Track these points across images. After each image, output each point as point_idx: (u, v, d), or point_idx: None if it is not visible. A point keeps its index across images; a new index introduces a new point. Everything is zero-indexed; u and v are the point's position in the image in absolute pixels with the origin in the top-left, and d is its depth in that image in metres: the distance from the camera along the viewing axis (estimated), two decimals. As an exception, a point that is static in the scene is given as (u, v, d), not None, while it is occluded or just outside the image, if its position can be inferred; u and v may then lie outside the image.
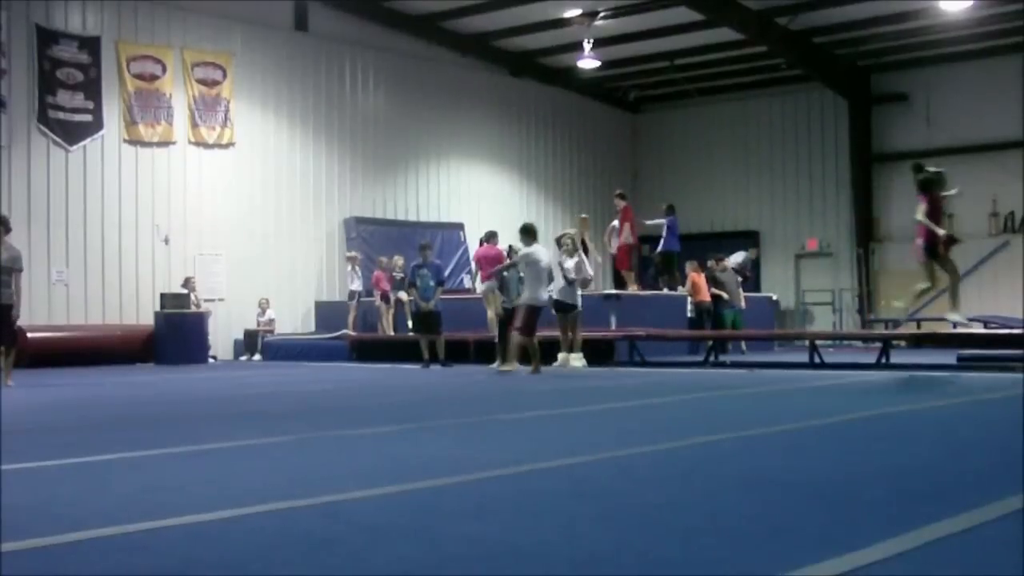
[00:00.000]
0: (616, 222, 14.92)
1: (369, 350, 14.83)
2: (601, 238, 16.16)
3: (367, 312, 15.79)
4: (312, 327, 17.20)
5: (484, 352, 12.85)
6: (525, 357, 10.94)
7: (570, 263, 12.12)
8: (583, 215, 15.86)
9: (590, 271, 12.20)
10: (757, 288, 20.66)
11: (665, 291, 15.31)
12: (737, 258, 16.51)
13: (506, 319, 11.91)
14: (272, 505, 3.02)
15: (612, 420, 5.83)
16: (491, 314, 12.83)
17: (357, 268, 15.61)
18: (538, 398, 7.61)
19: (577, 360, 11.93)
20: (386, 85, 18.82)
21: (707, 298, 14.49)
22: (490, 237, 13.68)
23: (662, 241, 15.61)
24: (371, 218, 18.26)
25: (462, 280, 18.43)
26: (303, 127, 17.69)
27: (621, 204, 14.83)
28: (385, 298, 15.30)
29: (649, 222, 16.14)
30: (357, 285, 15.52)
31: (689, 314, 14.66)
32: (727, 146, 22.63)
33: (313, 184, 17.75)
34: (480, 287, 14.13)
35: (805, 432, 5.21)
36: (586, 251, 14.11)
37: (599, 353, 12.57)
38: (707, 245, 18.89)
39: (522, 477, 3.57)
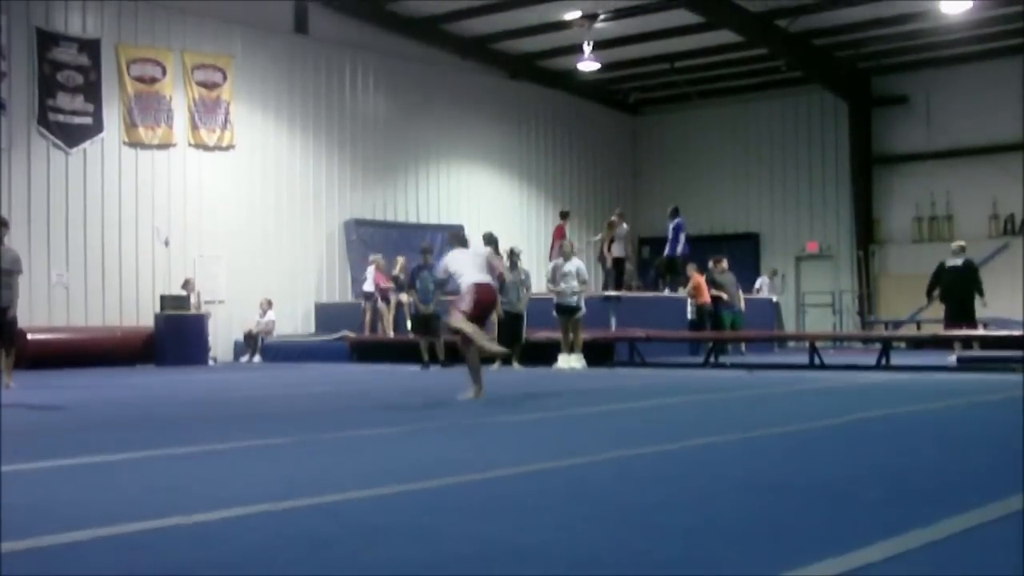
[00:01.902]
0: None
1: (369, 352, 14.82)
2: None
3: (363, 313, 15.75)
4: (312, 328, 17.18)
5: (484, 354, 12.84)
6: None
7: (570, 266, 12.17)
8: (612, 218, 15.88)
9: (584, 276, 12.31)
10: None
11: (667, 292, 15.34)
12: (761, 287, 17.09)
13: (507, 322, 11.92)
14: (273, 505, 3.02)
15: (612, 421, 5.83)
16: (492, 317, 12.80)
17: (369, 270, 15.57)
18: (538, 400, 7.61)
19: (577, 361, 11.97)
20: (386, 88, 18.84)
21: (708, 300, 14.46)
22: (490, 240, 13.67)
23: (668, 245, 15.61)
24: (371, 220, 18.25)
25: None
26: (303, 129, 17.69)
27: (559, 222, 15.69)
28: (385, 298, 15.29)
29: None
30: (371, 287, 15.47)
31: (690, 316, 14.66)
32: (727, 148, 22.63)
33: (313, 186, 17.76)
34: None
35: (805, 433, 5.20)
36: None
37: (599, 354, 12.59)
38: (707, 247, 18.90)
39: (522, 478, 3.57)
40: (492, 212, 19.68)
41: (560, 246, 14.39)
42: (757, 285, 17.97)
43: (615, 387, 8.89)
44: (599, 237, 15.60)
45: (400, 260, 14.96)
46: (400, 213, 18.99)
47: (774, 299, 18.69)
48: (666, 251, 15.83)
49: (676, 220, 15.41)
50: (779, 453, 4.41)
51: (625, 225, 15.91)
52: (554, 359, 12.11)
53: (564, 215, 16.08)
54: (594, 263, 16.56)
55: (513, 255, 12.60)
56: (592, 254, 16.58)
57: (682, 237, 15.44)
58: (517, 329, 12.34)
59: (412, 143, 19.13)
